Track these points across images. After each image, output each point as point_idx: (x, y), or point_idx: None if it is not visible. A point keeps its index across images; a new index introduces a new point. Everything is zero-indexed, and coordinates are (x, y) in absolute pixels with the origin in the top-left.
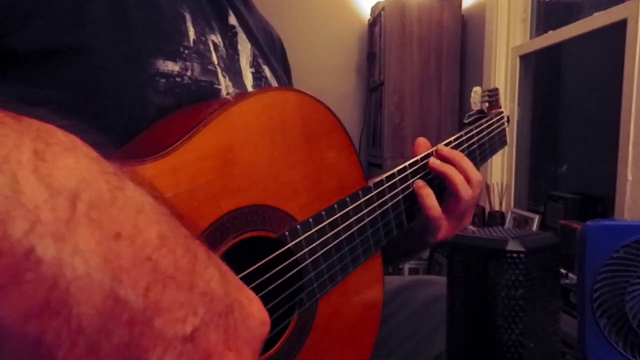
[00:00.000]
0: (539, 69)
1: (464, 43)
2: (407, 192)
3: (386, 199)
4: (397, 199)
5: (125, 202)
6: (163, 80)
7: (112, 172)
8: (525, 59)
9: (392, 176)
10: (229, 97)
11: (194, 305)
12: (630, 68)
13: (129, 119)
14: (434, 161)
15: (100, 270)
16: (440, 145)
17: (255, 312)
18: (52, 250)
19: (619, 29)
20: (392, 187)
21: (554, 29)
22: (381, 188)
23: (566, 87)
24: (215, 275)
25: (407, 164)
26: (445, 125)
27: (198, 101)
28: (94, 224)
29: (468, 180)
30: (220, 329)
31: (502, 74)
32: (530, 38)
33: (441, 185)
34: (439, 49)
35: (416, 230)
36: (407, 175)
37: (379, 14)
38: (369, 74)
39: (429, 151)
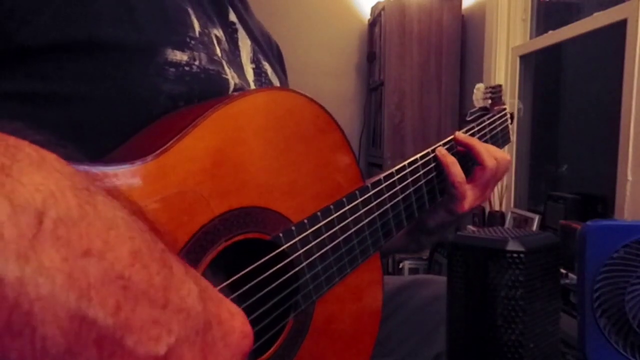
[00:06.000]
0: (539, 69)
1: (464, 43)
2: (407, 191)
3: (384, 199)
4: (396, 199)
5: (96, 217)
6: (172, 69)
7: (83, 187)
8: (525, 59)
9: (391, 175)
10: (234, 93)
11: (168, 323)
12: (630, 68)
13: (140, 108)
14: (458, 134)
15: (66, 289)
16: (458, 132)
17: (236, 327)
18: (15, 269)
19: (619, 29)
20: (391, 186)
21: (554, 29)
22: (379, 188)
23: (566, 87)
24: (192, 290)
25: (417, 156)
26: (445, 125)
27: (208, 89)
28: (61, 241)
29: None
30: (197, 347)
31: (502, 74)
32: (530, 38)
33: (461, 162)
34: (439, 48)
35: (443, 202)
36: (417, 167)
37: (379, 14)
38: (369, 74)
39: (434, 147)
